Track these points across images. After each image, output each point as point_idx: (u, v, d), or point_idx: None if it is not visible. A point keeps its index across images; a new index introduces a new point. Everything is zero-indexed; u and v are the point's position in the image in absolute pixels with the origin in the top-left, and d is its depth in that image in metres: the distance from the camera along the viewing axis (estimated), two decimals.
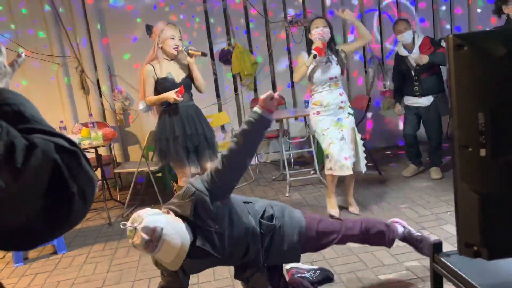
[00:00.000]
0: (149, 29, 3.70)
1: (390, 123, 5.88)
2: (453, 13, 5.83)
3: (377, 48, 5.81)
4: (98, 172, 4.54)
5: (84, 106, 5.38)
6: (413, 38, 4.33)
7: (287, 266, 2.72)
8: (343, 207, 3.93)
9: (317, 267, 2.78)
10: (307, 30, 3.72)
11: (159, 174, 5.01)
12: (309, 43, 3.66)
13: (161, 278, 2.30)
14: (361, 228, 2.40)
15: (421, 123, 4.56)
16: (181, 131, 3.53)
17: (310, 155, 5.41)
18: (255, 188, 4.84)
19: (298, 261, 2.37)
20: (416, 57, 4.23)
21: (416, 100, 4.44)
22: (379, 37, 5.79)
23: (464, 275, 1.36)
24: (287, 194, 4.49)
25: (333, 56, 3.67)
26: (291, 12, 5.54)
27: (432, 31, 5.81)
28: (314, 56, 3.51)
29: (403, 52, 4.42)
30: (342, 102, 3.69)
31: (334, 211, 3.81)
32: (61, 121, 4.56)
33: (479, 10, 5.67)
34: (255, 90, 5.72)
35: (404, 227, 2.59)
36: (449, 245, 2.86)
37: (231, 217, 2.11)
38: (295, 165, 5.46)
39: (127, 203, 4.49)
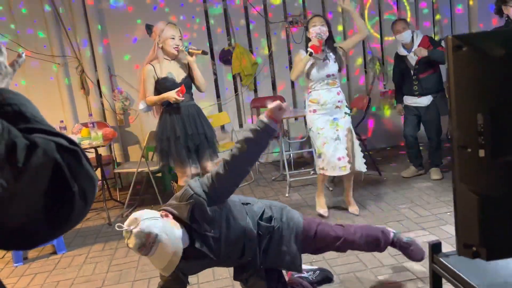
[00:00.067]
0: (149, 28, 3.70)
1: (391, 123, 5.88)
2: (453, 12, 5.83)
3: (378, 47, 5.81)
4: (98, 172, 4.54)
5: (84, 106, 5.38)
6: (412, 37, 4.34)
7: None
8: (342, 208, 3.93)
9: (316, 267, 2.78)
10: (306, 29, 3.73)
11: (159, 174, 5.01)
12: (308, 41, 3.67)
13: (160, 278, 2.30)
14: (362, 235, 2.41)
15: (421, 123, 4.56)
16: (182, 131, 3.53)
17: (310, 156, 5.41)
18: (255, 188, 4.84)
19: (298, 266, 2.33)
20: (416, 49, 4.23)
21: (415, 100, 4.44)
22: (379, 36, 5.79)
23: (463, 276, 1.36)
24: (287, 195, 4.49)
25: (331, 54, 3.67)
26: (293, 10, 5.55)
27: (432, 30, 5.81)
28: (310, 54, 3.51)
29: (402, 52, 4.42)
30: (339, 101, 3.69)
31: (323, 210, 3.83)
32: (61, 121, 4.56)
33: (479, 9, 5.66)
34: (255, 91, 5.73)
35: (393, 232, 2.59)
36: (449, 246, 2.86)
37: (228, 220, 2.10)
38: (295, 165, 5.46)
39: (127, 203, 4.49)
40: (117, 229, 1.95)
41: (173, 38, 3.52)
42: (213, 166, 3.72)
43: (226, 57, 5.52)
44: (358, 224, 2.56)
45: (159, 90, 3.54)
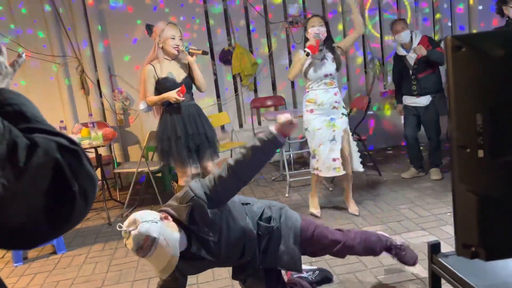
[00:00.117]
0: (149, 28, 3.70)
1: (391, 124, 5.88)
2: (453, 11, 5.83)
3: (378, 47, 5.82)
4: (98, 172, 4.54)
5: (84, 106, 5.38)
6: (411, 37, 4.34)
7: None
8: (342, 208, 3.93)
9: (316, 267, 2.78)
10: (305, 29, 3.73)
11: (159, 174, 5.02)
12: (306, 41, 3.67)
13: (159, 278, 2.30)
14: (361, 240, 2.41)
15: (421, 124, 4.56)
16: (183, 131, 3.53)
17: (310, 156, 5.40)
18: (255, 188, 4.85)
19: (297, 266, 2.32)
20: (416, 46, 4.23)
21: (414, 99, 4.44)
22: (379, 35, 5.80)
23: (462, 276, 1.37)
24: (286, 195, 4.49)
25: (329, 54, 3.67)
26: (294, 9, 5.54)
27: (433, 30, 5.81)
28: (307, 54, 3.52)
29: (401, 52, 4.43)
30: (336, 102, 3.69)
31: (316, 211, 3.85)
32: (61, 121, 4.56)
33: (480, 7, 5.67)
34: (255, 91, 5.73)
35: (388, 237, 2.59)
36: (449, 246, 2.86)
37: (228, 221, 2.11)
38: (295, 166, 5.46)
39: (126, 203, 4.49)
40: (118, 229, 1.95)
41: (173, 38, 3.52)
42: (213, 166, 3.72)
43: (226, 57, 5.52)
44: (356, 229, 2.56)
45: (160, 90, 3.54)
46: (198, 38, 5.38)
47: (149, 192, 4.77)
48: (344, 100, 5.66)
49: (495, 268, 1.40)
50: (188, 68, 3.63)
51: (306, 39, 3.66)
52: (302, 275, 2.66)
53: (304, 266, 2.73)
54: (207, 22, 5.51)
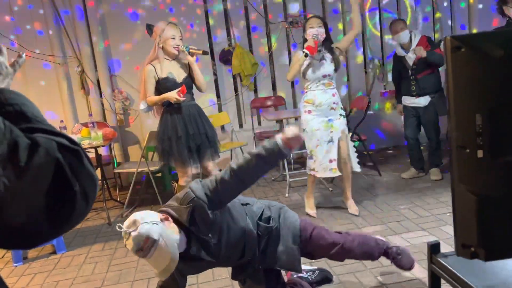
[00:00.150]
0: (149, 28, 3.70)
1: (391, 124, 5.88)
2: (454, 10, 5.83)
3: (378, 48, 5.82)
4: (98, 172, 4.54)
5: (84, 106, 5.39)
6: (410, 37, 4.34)
7: None
8: (342, 208, 3.93)
9: (316, 267, 2.78)
10: (303, 30, 3.73)
11: (159, 174, 5.02)
12: (305, 42, 3.67)
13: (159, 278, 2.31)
14: (359, 243, 2.39)
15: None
16: (183, 131, 3.54)
17: None
18: (255, 188, 4.84)
19: (296, 266, 2.32)
20: (416, 48, 4.23)
21: (413, 100, 4.44)
22: (379, 34, 5.80)
23: (461, 276, 1.37)
24: (286, 195, 4.49)
25: (328, 54, 3.67)
26: (294, 8, 5.54)
27: (432, 29, 5.81)
28: (306, 55, 3.53)
29: (401, 52, 4.43)
30: (334, 103, 3.70)
31: (312, 211, 3.86)
32: (61, 121, 4.56)
33: (480, 6, 5.66)
34: (255, 91, 5.73)
35: (385, 241, 2.58)
36: (449, 247, 2.86)
37: (228, 222, 2.11)
38: (295, 166, 5.46)
39: (126, 203, 4.49)
40: (118, 229, 1.95)
41: (174, 38, 3.52)
42: (214, 166, 3.72)
43: (226, 57, 5.52)
44: (355, 232, 2.56)
45: (160, 90, 3.54)
46: (198, 38, 5.38)
47: (149, 192, 4.77)
48: (344, 100, 5.72)
49: (495, 268, 1.40)
50: (188, 68, 3.63)
51: (305, 40, 3.67)
52: (302, 275, 2.66)
53: (304, 266, 2.73)
54: (207, 22, 5.52)
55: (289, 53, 5.67)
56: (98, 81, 5.35)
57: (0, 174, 0.64)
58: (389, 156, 5.59)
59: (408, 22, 5.62)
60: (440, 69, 4.41)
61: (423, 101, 4.38)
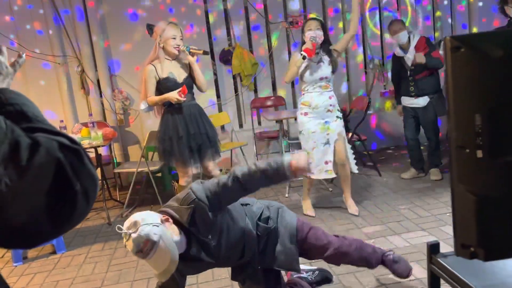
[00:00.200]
0: (150, 28, 3.70)
1: (391, 124, 5.88)
2: (454, 9, 5.82)
3: (378, 47, 5.82)
4: (98, 172, 4.54)
5: (84, 106, 5.39)
6: (409, 38, 4.34)
7: None
8: (342, 208, 3.93)
9: (315, 267, 2.78)
10: (302, 31, 3.74)
11: (159, 174, 5.02)
12: (303, 43, 3.68)
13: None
14: (356, 247, 2.38)
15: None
16: (184, 131, 3.54)
17: None
18: None
19: (294, 265, 2.32)
20: (415, 55, 4.23)
21: (412, 100, 4.45)
22: (379, 32, 5.80)
23: (460, 276, 1.37)
24: (286, 195, 4.49)
25: (326, 57, 3.68)
26: (294, 5, 5.54)
27: (433, 28, 5.81)
28: (303, 58, 3.53)
29: (399, 53, 4.43)
30: (331, 105, 3.71)
31: (310, 211, 3.87)
32: (61, 121, 4.56)
33: (480, 4, 5.66)
34: (255, 91, 5.73)
35: (382, 249, 2.56)
36: (449, 247, 2.86)
37: (228, 222, 2.11)
38: None
39: (126, 203, 4.50)
40: (118, 230, 1.95)
41: (174, 38, 3.52)
42: (214, 166, 3.71)
43: (226, 57, 5.53)
44: (353, 237, 2.54)
45: (161, 90, 3.54)
46: (198, 38, 5.38)
47: (149, 192, 4.77)
48: (344, 99, 5.72)
49: (494, 268, 1.41)
50: (188, 68, 3.63)
51: (303, 42, 3.67)
52: (302, 275, 2.66)
53: (304, 266, 2.74)
54: (207, 22, 5.52)
55: (289, 53, 5.67)
56: (98, 81, 5.35)
57: (2, 174, 0.64)
58: (389, 156, 5.59)
59: (408, 20, 5.63)
60: (439, 70, 4.41)
61: (421, 101, 4.39)
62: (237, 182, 2.02)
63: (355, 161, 3.84)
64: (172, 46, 3.52)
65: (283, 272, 2.54)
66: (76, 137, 4.29)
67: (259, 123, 5.83)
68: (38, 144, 0.68)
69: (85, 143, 4.14)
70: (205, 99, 5.24)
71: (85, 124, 4.64)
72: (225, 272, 2.96)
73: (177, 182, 3.83)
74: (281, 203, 2.51)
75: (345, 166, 3.73)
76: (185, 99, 3.45)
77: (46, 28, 5.11)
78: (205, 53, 3.59)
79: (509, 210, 1.02)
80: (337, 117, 3.75)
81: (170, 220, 2.00)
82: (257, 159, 5.50)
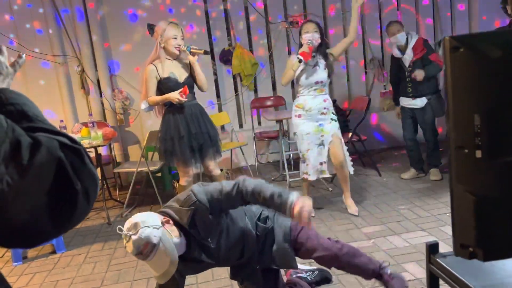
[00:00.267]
0: (151, 28, 3.70)
1: (391, 124, 5.88)
2: (454, 7, 5.82)
3: (377, 45, 5.82)
4: (97, 172, 4.54)
5: (84, 106, 5.39)
6: (407, 39, 4.35)
7: None
8: (342, 208, 3.93)
9: (315, 267, 2.78)
10: (299, 34, 3.74)
11: (159, 174, 5.02)
12: (301, 46, 3.68)
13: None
14: (348, 253, 2.32)
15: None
16: (186, 130, 3.54)
17: None
18: None
19: (291, 263, 2.31)
20: (415, 74, 4.24)
21: (410, 101, 4.45)
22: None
23: (459, 276, 1.37)
24: None
25: (322, 60, 3.69)
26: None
27: (433, 26, 5.81)
28: (300, 61, 3.54)
29: (397, 54, 4.44)
30: (324, 108, 3.73)
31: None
32: (61, 121, 4.56)
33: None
34: (255, 91, 5.73)
35: (380, 262, 2.52)
36: (448, 247, 2.86)
37: (227, 223, 2.11)
38: (295, 166, 5.46)
39: (126, 203, 4.50)
40: (118, 232, 1.95)
41: (175, 38, 3.51)
42: (215, 165, 3.71)
43: (226, 57, 5.53)
44: (347, 244, 2.49)
45: (162, 90, 3.54)
46: (199, 38, 5.38)
47: (149, 192, 4.77)
48: (344, 99, 5.72)
49: (493, 268, 1.41)
50: (189, 67, 3.63)
51: (301, 45, 3.68)
52: (302, 275, 2.66)
53: (303, 266, 2.74)
54: (207, 22, 5.52)
55: (289, 53, 5.67)
56: (98, 81, 5.35)
57: (3, 173, 0.64)
58: (389, 156, 5.59)
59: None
60: None
61: (419, 102, 4.39)
62: (240, 196, 2.03)
63: (351, 162, 3.85)
64: (173, 46, 3.52)
65: (282, 272, 2.54)
66: (76, 137, 4.29)
67: (259, 123, 5.83)
68: (39, 143, 0.68)
69: (85, 143, 4.14)
70: (204, 99, 5.24)
71: (85, 124, 4.64)
72: (224, 272, 2.96)
73: (178, 181, 3.83)
74: None
75: (343, 166, 3.74)
76: (186, 99, 3.45)
77: (46, 28, 5.11)
78: (206, 52, 3.59)
79: (508, 210, 1.02)
80: (332, 119, 3.77)
81: (171, 221, 2.00)
82: (256, 159, 5.50)
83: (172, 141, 3.55)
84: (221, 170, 4.00)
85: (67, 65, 5.24)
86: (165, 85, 3.53)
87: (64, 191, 0.69)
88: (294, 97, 5.78)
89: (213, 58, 5.55)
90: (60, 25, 5.13)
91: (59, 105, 5.26)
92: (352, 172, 3.83)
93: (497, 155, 0.99)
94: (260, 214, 2.29)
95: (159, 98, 3.53)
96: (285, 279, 2.62)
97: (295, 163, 5.58)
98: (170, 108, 3.58)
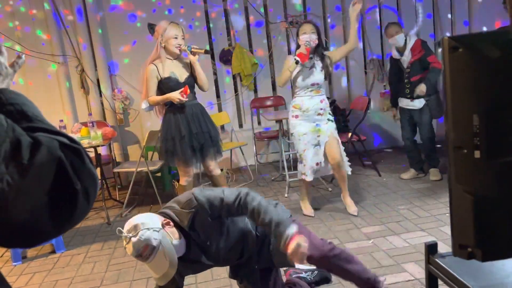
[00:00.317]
0: (151, 28, 3.71)
1: (390, 124, 5.87)
2: (454, 6, 5.82)
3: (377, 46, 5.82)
4: (97, 171, 4.53)
5: (84, 106, 5.39)
6: (405, 40, 4.36)
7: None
8: (342, 208, 3.93)
9: (315, 267, 2.78)
10: (296, 35, 3.75)
11: (159, 174, 5.02)
12: (298, 47, 3.69)
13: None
14: (339, 256, 2.27)
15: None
16: (187, 130, 3.54)
17: None
18: (254, 188, 4.84)
19: (289, 262, 2.32)
20: (417, 89, 4.22)
21: (408, 102, 4.46)
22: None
23: (458, 277, 1.37)
24: (286, 195, 4.49)
25: (319, 62, 3.69)
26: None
27: (433, 27, 5.81)
28: (296, 62, 3.54)
29: (396, 55, 4.45)
30: (321, 109, 3.73)
31: (309, 211, 3.89)
32: (61, 121, 4.56)
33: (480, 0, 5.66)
34: (255, 91, 5.73)
35: (382, 281, 2.44)
36: (448, 247, 2.86)
37: (227, 225, 2.11)
38: (295, 166, 5.46)
39: (126, 203, 4.49)
40: (118, 233, 1.94)
41: (176, 38, 3.51)
42: (216, 165, 3.71)
43: (226, 57, 5.53)
44: (343, 249, 2.43)
45: (163, 90, 3.54)
46: (199, 38, 5.38)
47: (149, 191, 4.77)
48: (344, 99, 5.72)
49: (492, 268, 1.41)
50: (190, 67, 3.63)
51: (298, 46, 3.68)
52: (301, 275, 2.66)
53: (303, 266, 2.74)
54: (207, 22, 5.52)
55: (289, 53, 5.67)
56: (98, 81, 5.35)
57: (3, 172, 0.65)
58: (388, 156, 5.59)
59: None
60: None
61: (417, 103, 4.40)
62: (240, 212, 2.03)
63: (349, 163, 3.85)
64: (173, 46, 3.52)
65: (282, 272, 2.54)
66: (75, 136, 4.29)
67: (259, 123, 5.83)
68: (39, 143, 0.69)
69: (84, 143, 4.14)
70: (204, 99, 5.25)
71: (84, 124, 4.64)
72: (223, 272, 2.96)
73: (178, 181, 3.83)
74: (275, 201, 2.50)
75: (340, 167, 3.74)
76: (187, 99, 3.45)
77: (46, 28, 5.11)
78: (206, 52, 3.60)
79: (507, 211, 1.02)
80: (328, 119, 3.77)
81: (171, 223, 2.00)
82: (256, 159, 5.50)
83: (173, 141, 3.55)
84: (221, 170, 4.00)
85: (67, 65, 5.24)
86: (165, 85, 3.53)
87: (64, 191, 0.69)
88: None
89: (213, 58, 5.55)
90: (60, 25, 5.13)
91: (59, 105, 5.26)
92: (349, 173, 3.84)
93: (496, 155, 0.99)
94: None
95: (159, 98, 3.52)
96: (284, 279, 2.61)
97: (295, 163, 5.58)
98: (171, 108, 3.58)
